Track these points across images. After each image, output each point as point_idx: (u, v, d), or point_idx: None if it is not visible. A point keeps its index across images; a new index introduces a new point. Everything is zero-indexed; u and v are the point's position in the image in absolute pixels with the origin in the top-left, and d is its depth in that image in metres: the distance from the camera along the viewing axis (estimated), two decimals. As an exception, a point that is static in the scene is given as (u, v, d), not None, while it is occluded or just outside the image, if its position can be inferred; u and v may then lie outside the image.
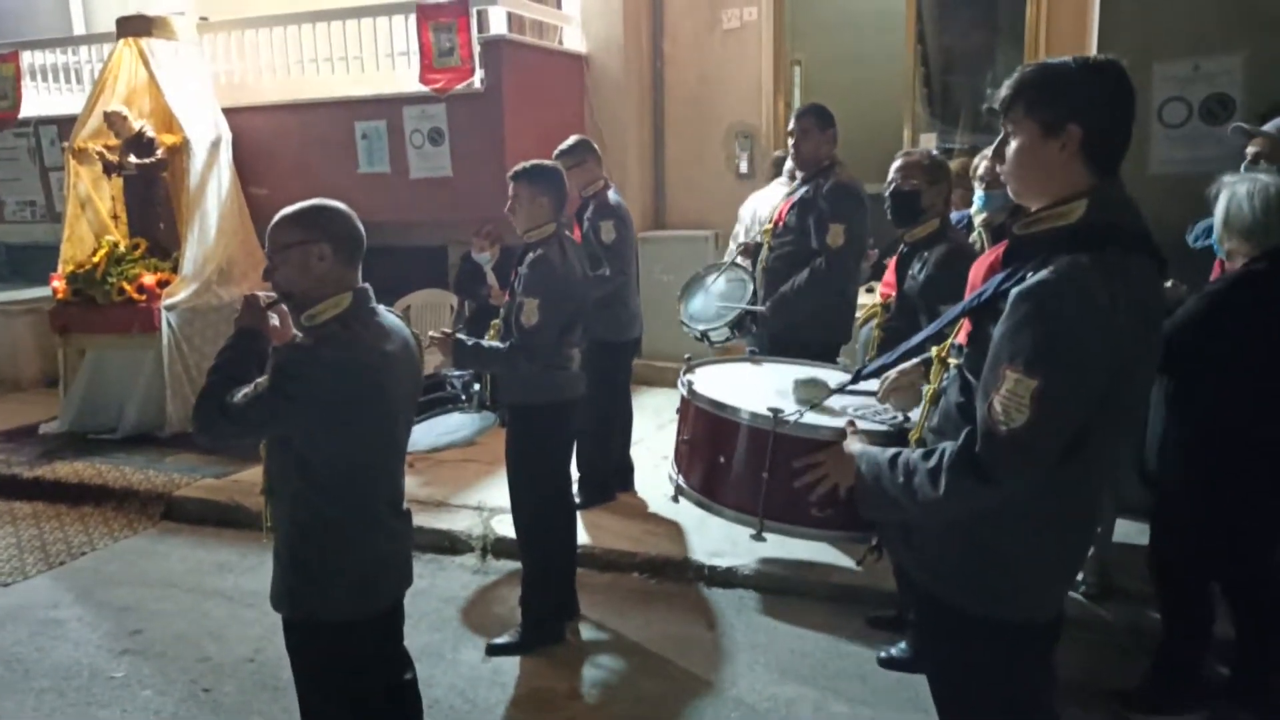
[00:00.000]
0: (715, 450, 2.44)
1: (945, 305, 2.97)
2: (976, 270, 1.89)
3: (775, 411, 2.22)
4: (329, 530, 2.22)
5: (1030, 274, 1.64)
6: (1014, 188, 1.79)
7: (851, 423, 2.11)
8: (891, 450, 1.87)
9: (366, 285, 2.26)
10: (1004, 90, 1.75)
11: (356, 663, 2.30)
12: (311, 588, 2.24)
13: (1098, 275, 1.59)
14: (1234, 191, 2.81)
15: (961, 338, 1.87)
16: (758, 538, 2.31)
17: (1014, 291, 1.65)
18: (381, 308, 2.30)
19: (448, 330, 3.38)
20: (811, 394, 2.35)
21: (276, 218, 2.21)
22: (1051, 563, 1.81)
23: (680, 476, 2.59)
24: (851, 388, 2.32)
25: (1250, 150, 3.38)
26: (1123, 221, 1.68)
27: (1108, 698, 3.11)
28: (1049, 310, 1.59)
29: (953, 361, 1.89)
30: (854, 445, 2.00)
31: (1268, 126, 3.41)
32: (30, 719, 3.30)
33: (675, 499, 2.61)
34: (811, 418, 2.22)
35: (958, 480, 1.69)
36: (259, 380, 2.13)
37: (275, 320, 2.35)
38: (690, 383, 2.62)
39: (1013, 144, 1.75)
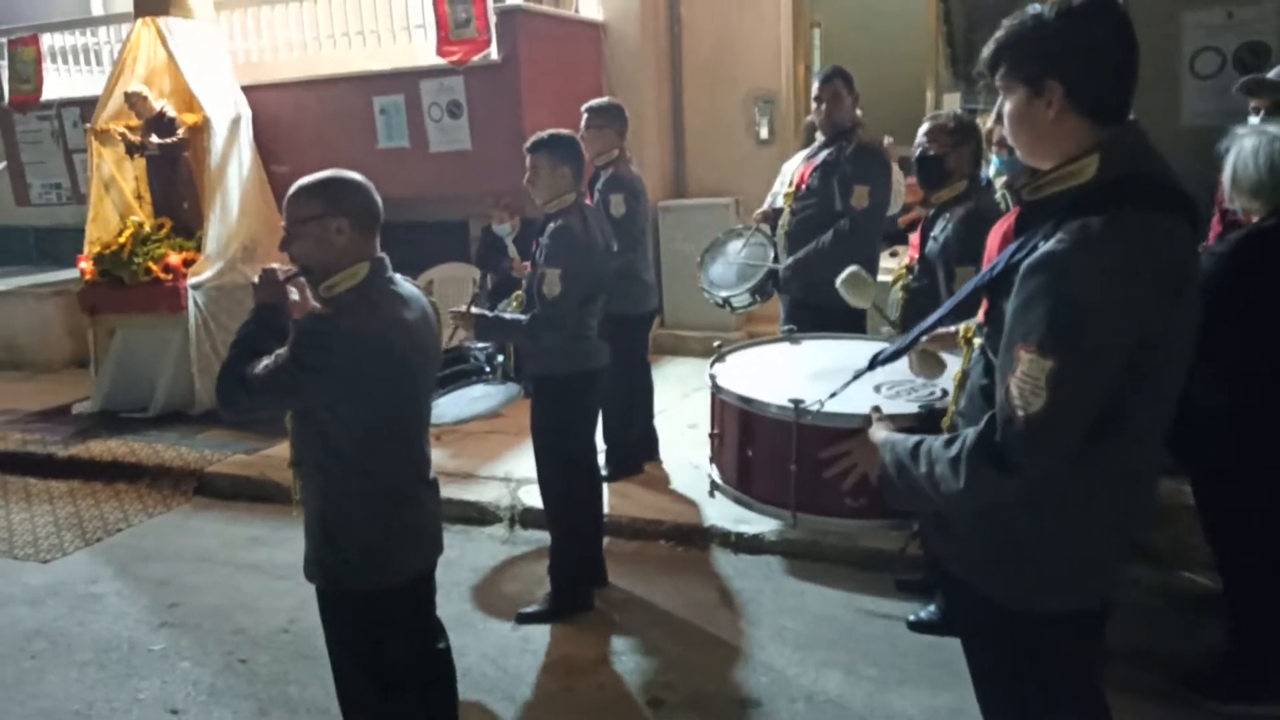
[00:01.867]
0: (743, 444, 2.42)
1: (959, 266, 2.95)
2: (993, 239, 1.77)
3: (796, 402, 2.19)
4: (355, 500, 2.24)
5: (1041, 243, 1.51)
6: (1020, 153, 1.68)
7: (876, 408, 2.01)
8: (914, 438, 1.76)
9: (383, 255, 2.26)
10: (984, 52, 1.63)
11: (388, 631, 2.33)
12: (341, 557, 2.27)
13: (1112, 239, 1.45)
14: (1240, 147, 2.63)
15: (981, 315, 1.73)
16: (791, 530, 2.28)
17: (1024, 264, 1.51)
18: (399, 277, 2.30)
19: (460, 309, 3.37)
20: (933, 368, 2.14)
21: (292, 190, 2.19)
22: (1094, 551, 1.66)
23: (715, 471, 2.59)
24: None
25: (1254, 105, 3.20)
26: (1144, 173, 1.54)
27: (1169, 674, 2.94)
28: (1059, 283, 1.46)
29: (977, 341, 1.75)
30: (879, 433, 1.89)
31: (1272, 74, 3.24)
32: (74, 691, 3.38)
33: (712, 494, 2.60)
34: (834, 406, 2.15)
35: (978, 470, 1.58)
36: (279, 352, 2.13)
37: (294, 294, 2.34)
38: (714, 376, 2.58)
39: (1006, 108, 1.63)
